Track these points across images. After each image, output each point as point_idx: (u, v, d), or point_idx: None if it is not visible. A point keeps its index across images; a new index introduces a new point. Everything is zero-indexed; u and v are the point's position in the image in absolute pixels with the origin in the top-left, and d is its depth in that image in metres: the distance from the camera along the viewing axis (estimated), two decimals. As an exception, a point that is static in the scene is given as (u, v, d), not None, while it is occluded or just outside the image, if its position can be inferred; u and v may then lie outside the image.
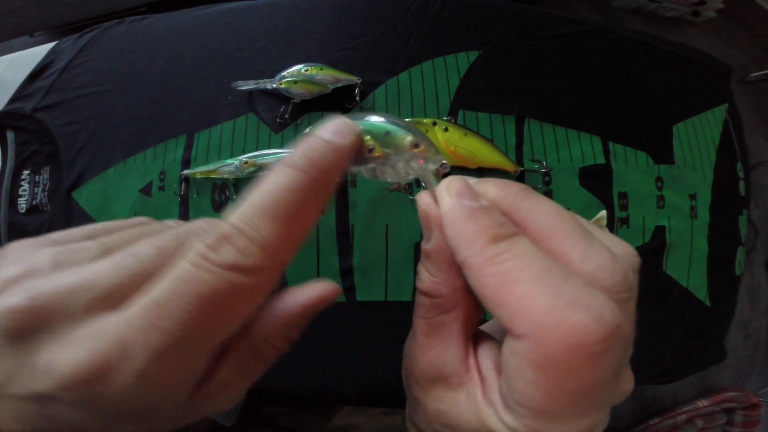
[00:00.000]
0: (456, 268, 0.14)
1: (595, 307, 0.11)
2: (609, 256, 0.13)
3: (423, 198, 0.16)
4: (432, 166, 0.17)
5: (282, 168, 0.14)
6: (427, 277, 0.15)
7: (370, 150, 0.17)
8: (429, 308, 0.15)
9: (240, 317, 0.14)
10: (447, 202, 0.14)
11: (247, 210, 0.13)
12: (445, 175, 0.17)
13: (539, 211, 0.14)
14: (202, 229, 0.15)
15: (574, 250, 0.13)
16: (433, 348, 0.16)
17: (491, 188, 0.15)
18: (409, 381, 0.17)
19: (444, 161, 0.18)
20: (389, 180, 0.18)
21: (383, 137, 0.17)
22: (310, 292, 0.17)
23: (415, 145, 0.17)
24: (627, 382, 0.15)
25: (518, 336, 0.12)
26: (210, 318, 0.12)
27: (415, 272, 0.17)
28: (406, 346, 0.17)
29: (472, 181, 0.16)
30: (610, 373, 0.12)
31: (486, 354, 0.15)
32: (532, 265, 0.12)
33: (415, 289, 0.16)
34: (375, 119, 0.17)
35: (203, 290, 0.12)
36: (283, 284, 0.17)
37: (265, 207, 0.13)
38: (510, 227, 0.13)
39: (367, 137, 0.16)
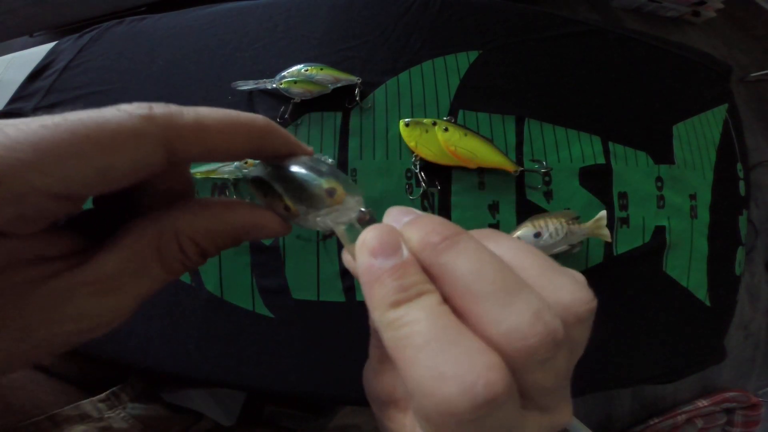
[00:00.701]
0: None
1: (467, 380, 0.11)
2: (529, 315, 0.12)
3: (344, 255, 0.16)
4: (351, 215, 0.16)
5: None
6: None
7: (286, 208, 0.15)
8: (380, 341, 0.15)
9: (119, 156, 0.12)
10: (360, 262, 0.14)
11: None
12: (370, 220, 0.16)
13: (456, 267, 0.13)
14: None
15: (486, 311, 0.13)
16: (385, 374, 0.17)
17: (415, 235, 0.14)
18: (370, 401, 0.18)
19: (363, 209, 0.16)
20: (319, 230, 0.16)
21: (298, 190, 0.15)
22: (249, 216, 0.16)
23: (330, 193, 0.15)
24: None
25: (410, 394, 0.13)
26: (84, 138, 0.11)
27: None
28: (364, 370, 0.18)
29: (405, 219, 0.15)
30: None
31: None
32: (422, 331, 0.12)
33: None
34: (294, 168, 0.16)
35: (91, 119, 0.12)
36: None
37: None
38: (414, 289, 0.13)
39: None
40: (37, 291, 0.12)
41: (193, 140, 0.14)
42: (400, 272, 0.13)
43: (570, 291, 0.14)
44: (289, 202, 0.15)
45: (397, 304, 0.13)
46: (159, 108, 0.13)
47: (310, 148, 0.18)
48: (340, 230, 0.16)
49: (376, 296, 0.13)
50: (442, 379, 0.11)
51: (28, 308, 0.12)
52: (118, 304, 0.14)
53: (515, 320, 0.12)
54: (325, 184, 0.15)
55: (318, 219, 0.15)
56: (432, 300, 0.13)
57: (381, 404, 0.17)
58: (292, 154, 0.17)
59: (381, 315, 0.13)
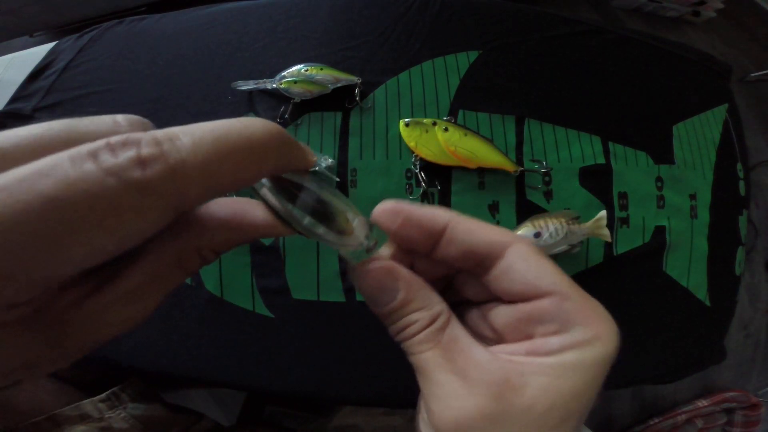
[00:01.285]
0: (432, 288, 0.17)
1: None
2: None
3: (349, 271, 0.18)
4: (359, 243, 0.17)
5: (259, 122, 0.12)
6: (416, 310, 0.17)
7: (294, 226, 0.15)
8: (431, 333, 0.17)
9: (117, 235, 0.10)
10: (365, 296, 0.17)
11: (184, 129, 0.11)
12: (374, 247, 0.18)
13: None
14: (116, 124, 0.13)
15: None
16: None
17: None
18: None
19: (368, 240, 0.17)
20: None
21: (317, 215, 0.15)
22: (265, 221, 0.15)
23: (350, 225, 0.16)
24: None
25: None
26: (64, 223, 0.09)
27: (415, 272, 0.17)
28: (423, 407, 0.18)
29: (398, 220, 0.17)
30: None
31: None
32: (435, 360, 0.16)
33: None
34: (312, 188, 0.16)
35: (60, 189, 0.09)
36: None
37: (207, 135, 0.11)
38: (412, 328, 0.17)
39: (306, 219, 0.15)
40: (76, 311, 0.13)
41: (203, 191, 0.12)
42: (395, 315, 0.17)
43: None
44: (304, 225, 0.15)
45: (404, 339, 0.16)
46: (156, 165, 0.10)
47: (314, 158, 0.17)
48: (346, 253, 0.17)
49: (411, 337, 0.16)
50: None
51: (68, 328, 0.13)
52: (145, 308, 0.14)
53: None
54: (351, 217, 0.17)
55: (323, 241, 0.16)
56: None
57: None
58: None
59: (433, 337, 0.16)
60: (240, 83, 0.42)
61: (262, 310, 0.39)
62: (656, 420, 0.95)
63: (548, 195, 0.42)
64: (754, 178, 1.11)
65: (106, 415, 0.35)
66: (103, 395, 0.35)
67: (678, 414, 0.93)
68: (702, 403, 0.94)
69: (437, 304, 0.17)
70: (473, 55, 0.45)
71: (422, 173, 0.41)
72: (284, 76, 0.42)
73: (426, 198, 0.41)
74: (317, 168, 0.40)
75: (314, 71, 0.42)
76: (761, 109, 1.23)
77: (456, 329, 0.16)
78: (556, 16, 0.49)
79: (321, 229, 0.15)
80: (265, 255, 0.40)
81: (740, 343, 1.07)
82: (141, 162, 0.10)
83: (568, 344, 0.15)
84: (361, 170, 0.41)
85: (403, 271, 0.17)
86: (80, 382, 0.38)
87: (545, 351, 0.15)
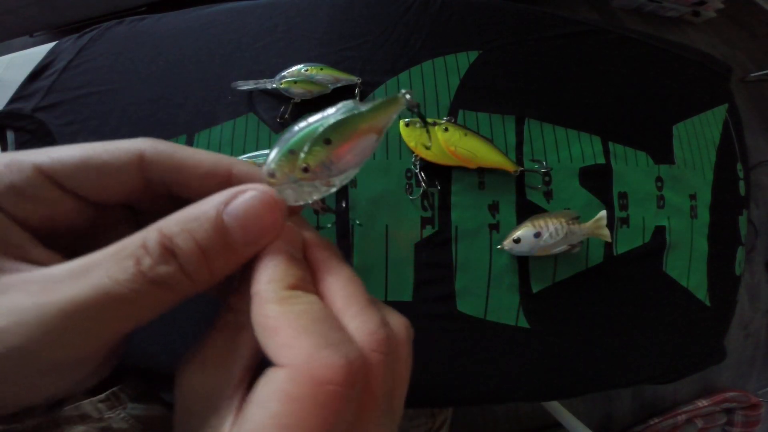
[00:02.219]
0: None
1: (348, 353, 0.13)
2: (376, 320, 0.16)
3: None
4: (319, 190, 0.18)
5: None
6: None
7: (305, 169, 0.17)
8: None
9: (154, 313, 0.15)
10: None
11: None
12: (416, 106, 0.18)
13: (337, 278, 0.17)
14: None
15: (349, 309, 0.16)
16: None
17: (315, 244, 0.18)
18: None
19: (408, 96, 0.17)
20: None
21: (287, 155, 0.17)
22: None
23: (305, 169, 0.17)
24: None
25: (280, 365, 0.13)
26: (97, 321, 0.13)
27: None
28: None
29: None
30: (342, 423, 0.13)
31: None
32: (314, 311, 0.15)
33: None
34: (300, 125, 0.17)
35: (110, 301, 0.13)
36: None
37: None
38: (309, 284, 0.16)
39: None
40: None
41: (166, 169, 0.17)
42: (302, 264, 0.17)
43: (397, 316, 0.18)
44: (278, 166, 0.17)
45: (296, 286, 0.15)
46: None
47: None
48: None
49: (274, 273, 0.15)
50: (331, 349, 0.13)
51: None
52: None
53: (367, 319, 0.15)
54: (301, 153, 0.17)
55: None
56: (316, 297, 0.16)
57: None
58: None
59: (277, 289, 0.15)
60: (240, 83, 0.42)
61: (262, 310, 0.39)
62: (656, 420, 0.95)
63: (548, 195, 0.42)
64: (754, 178, 1.11)
65: (106, 416, 0.35)
66: (102, 395, 0.35)
67: (678, 414, 0.93)
68: (702, 403, 0.94)
69: None
70: (473, 55, 0.45)
71: (422, 173, 0.41)
72: (284, 76, 0.42)
73: (426, 198, 0.41)
74: None
75: (314, 71, 0.42)
76: (761, 109, 1.24)
77: None
78: (556, 16, 0.49)
79: None
80: (265, 255, 0.40)
81: (740, 343, 1.07)
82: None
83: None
84: (360, 170, 0.41)
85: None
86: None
87: None
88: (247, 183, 0.17)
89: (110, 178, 0.17)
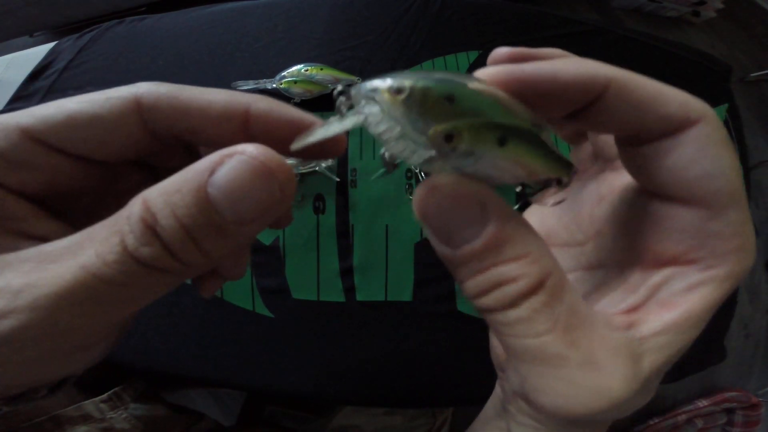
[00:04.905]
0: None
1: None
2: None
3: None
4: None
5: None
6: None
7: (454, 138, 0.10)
8: (541, 304, 0.12)
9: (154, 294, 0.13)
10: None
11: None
12: None
13: None
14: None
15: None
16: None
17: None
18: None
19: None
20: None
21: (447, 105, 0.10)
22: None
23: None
24: None
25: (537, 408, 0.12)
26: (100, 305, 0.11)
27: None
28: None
29: None
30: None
31: None
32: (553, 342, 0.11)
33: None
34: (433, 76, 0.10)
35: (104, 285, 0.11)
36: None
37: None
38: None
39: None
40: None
41: (170, 114, 0.14)
42: (477, 264, 0.12)
43: None
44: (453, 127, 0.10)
45: (491, 307, 0.11)
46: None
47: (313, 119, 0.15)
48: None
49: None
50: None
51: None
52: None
53: None
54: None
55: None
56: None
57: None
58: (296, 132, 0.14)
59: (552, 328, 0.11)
60: (240, 83, 0.42)
61: (262, 310, 0.39)
62: (656, 420, 0.95)
63: (548, 195, 0.42)
64: (754, 178, 1.11)
65: (108, 416, 0.35)
66: (104, 396, 0.35)
67: (678, 414, 0.93)
68: (702, 403, 0.94)
69: (545, 256, 0.11)
70: (473, 55, 0.45)
71: (422, 173, 0.41)
72: (284, 76, 0.42)
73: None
74: (317, 168, 0.40)
75: (314, 71, 0.42)
76: (761, 109, 1.23)
77: (573, 294, 0.12)
78: (556, 16, 0.49)
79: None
80: (265, 255, 0.40)
81: (740, 343, 1.07)
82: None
83: (699, 292, 0.12)
84: (360, 170, 0.41)
85: (495, 196, 0.11)
86: (82, 383, 0.38)
87: (672, 302, 0.12)
88: (269, 126, 0.14)
89: (105, 132, 0.14)
